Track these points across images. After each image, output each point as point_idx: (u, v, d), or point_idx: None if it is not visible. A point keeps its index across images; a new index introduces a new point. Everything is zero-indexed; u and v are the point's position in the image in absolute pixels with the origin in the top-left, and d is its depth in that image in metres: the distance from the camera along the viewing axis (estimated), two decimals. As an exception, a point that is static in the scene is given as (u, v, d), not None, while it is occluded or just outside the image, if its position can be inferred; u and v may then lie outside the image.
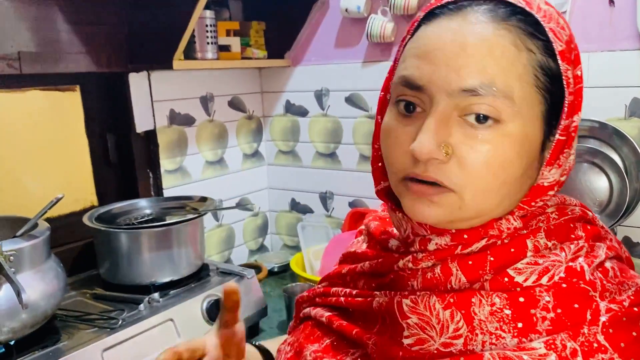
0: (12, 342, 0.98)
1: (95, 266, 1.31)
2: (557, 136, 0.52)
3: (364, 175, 1.70)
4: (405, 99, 0.52)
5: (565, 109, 0.52)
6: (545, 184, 0.54)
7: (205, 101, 1.65)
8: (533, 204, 0.54)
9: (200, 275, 1.32)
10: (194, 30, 1.43)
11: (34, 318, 0.98)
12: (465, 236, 0.54)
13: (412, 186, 0.52)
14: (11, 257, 0.92)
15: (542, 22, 0.51)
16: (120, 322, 1.08)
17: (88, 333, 1.06)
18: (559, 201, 0.57)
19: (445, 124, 0.50)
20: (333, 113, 1.71)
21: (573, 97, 0.52)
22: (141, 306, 1.15)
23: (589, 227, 0.56)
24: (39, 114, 1.35)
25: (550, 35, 0.50)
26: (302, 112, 1.77)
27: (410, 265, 0.56)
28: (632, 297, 0.50)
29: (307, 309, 0.68)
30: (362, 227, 0.74)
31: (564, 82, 0.51)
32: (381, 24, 1.52)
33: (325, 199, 1.79)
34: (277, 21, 1.70)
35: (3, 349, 0.98)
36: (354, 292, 0.61)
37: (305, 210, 1.84)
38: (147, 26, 1.39)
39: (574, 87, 0.52)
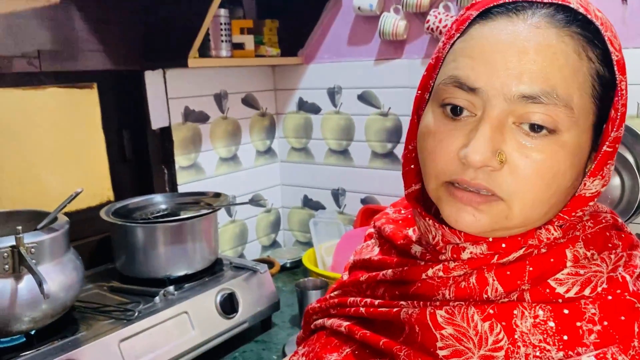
0: (32, 332, 1.02)
1: (112, 260, 1.34)
2: (605, 147, 0.51)
3: (375, 172, 1.71)
4: (454, 103, 0.50)
5: (618, 120, 0.50)
6: (587, 195, 0.52)
7: (219, 98, 1.67)
8: (573, 214, 0.53)
9: (214, 270, 1.34)
10: (208, 29, 1.46)
11: (53, 309, 1.00)
12: (504, 245, 0.52)
13: (457, 192, 0.51)
14: (32, 249, 0.95)
15: (602, 31, 0.50)
16: (136, 314, 1.11)
17: (105, 324, 1.09)
18: (592, 209, 0.56)
19: (500, 131, 0.48)
20: (345, 110, 1.73)
21: (624, 110, 0.51)
22: (156, 299, 1.18)
23: (622, 235, 0.55)
24: (57, 111, 1.38)
25: (608, 44, 0.50)
26: (315, 110, 1.78)
27: (440, 274, 0.54)
28: None
29: (321, 320, 0.66)
30: (371, 230, 0.72)
31: (618, 93, 0.50)
32: (393, 22, 1.53)
33: (337, 195, 1.80)
34: (290, 19, 1.72)
35: (24, 339, 1.01)
36: (376, 302, 0.59)
37: (318, 206, 1.85)
38: (163, 25, 1.42)
39: (625, 98, 0.51)
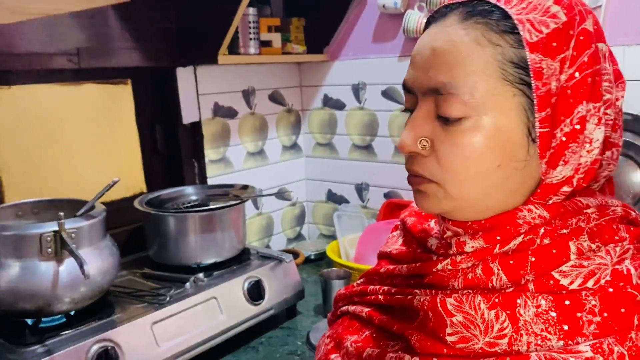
0: (72, 313, 1.08)
1: (145, 248, 1.40)
2: (537, 129, 0.52)
3: (398, 167, 1.74)
4: (405, 106, 0.59)
5: (537, 100, 0.51)
6: (555, 182, 0.54)
7: (247, 95, 1.73)
8: (547, 200, 0.55)
9: (241, 258, 1.40)
10: (237, 27, 1.51)
11: (91, 291, 1.07)
12: (498, 237, 0.55)
13: (409, 179, 0.58)
14: (73, 234, 1.01)
15: (512, 15, 0.51)
16: (168, 299, 1.16)
17: (139, 308, 1.14)
18: (599, 202, 0.56)
19: (424, 121, 0.55)
20: (369, 106, 1.76)
21: (549, 88, 0.51)
22: (187, 285, 1.23)
23: (632, 228, 0.55)
24: (94, 106, 1.44)
25: (521, 27, 0.51)
26: (340, 106, 1.83)
27: (449, 267, 0.57)
28: None
29: (345, 307, 0.70)
30: (398, 222, 0.75)
31: (532, 73, 0.51)
32: (417, 20, 1.56)
33: (360, 190, 1.84)
34: (316, 17, 1.76)
35: (65, 319, 1.08)
36: (393, 290, 0.63)
37: (342, 200, 1.89)
38: (194, 23, 1.47)
39: (553, 77, 0.51)
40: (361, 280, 0.72)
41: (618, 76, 0.58)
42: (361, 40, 1.74)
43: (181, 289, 1.22)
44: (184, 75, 1.55)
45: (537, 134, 0.52)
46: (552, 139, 0.53)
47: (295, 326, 1.37)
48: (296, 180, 1.94)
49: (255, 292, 1.29)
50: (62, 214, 0.99)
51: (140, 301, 1.17)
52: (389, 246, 0.71)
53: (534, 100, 0.51)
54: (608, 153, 0.57)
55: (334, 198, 1.92)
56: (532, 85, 0.51)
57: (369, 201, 1.83)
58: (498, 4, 0.53)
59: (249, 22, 1.53)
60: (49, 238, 0.99)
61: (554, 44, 0.51)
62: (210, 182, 1.64)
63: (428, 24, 0.58)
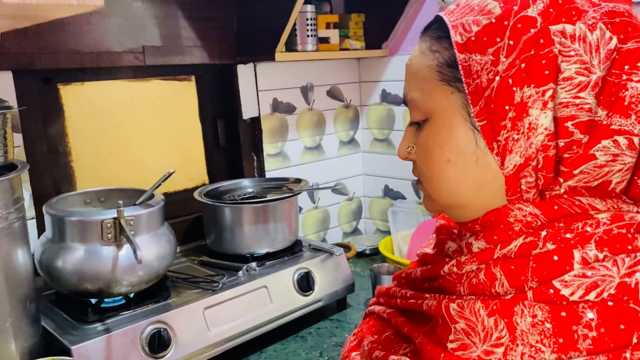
0: (131, 295, 1.15)
1: (204, 237, 1.47)
2: (476, 122, 0.54)
3: (456, 164, 1.71)
4: (410, 119, 0.64)
5: (469, 95, 0.54)
6: (511, 173, 0.54)
7: (306, 91, 1.76)
8: (516, 194, 0.55)
9: (293, 250, 1.43)
10: (295, 24, 1.54)
11: (148, 275, 1.13)
12: (495, 237, 0.55)
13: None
14: (131, 222, 1.08)
15: (447, 22, 0.57)
16: (220, 285, 1.22)
17: (193, 293, 1.21)
18: (612, 206, 0.53)
19: (411, 131, 0.62)
20: (428, 102, 1.74)
21: (479, 82, 0.53)
22: (240, 273, 1.28)
23: None
24: (159, 101, 1.53)
25: (453, 31, 0.55)
26: (398, 101, 1.82)
27: (455, 269, 0.57)
28: None
29: (373, 306, 0.72)
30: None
31: (462, 71, 0.54)
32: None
33: (418, 186, 1.83)
34: (376, 13, 1.76)
35: (124, 300, 1.15)
36: (408, 294, 0.65)
37: (398, 196, 1.89)
38: (253, 22, 1.52)
39: (484, 71, 0.53)
40: (394, 282, 0.74)
41: (626, 57, 0.52)
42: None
43: (234, 277, 1.27)
44: (244, 72, 1.60)
45: (479, 127, 0.55)
46: (501, 130, 0.53)
47: (344, 319, 1.40)
48: (353, 176, 1.96)
49: (304, 283, 1.32)
50: (121, 202, 1.06)
51: (195, 287, 1.24)
52: (423, 248, 0.73)
53: (467, 94, 0.55)
54: (606, 142, 0.52)
55: (390, 194, 1.92)
56: (463, 82, 0.55)
57: (426, 198, 1.81)
58: (441, 14, 0.59)
59: (307, 20, 1.56)
60: (109, 224, 1.06)
61: (485, 38, 0.53)
62: (268, 175, 1.69)
63: None
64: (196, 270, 1.35)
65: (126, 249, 1.09)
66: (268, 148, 1.69)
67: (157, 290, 1.20)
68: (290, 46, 1.57)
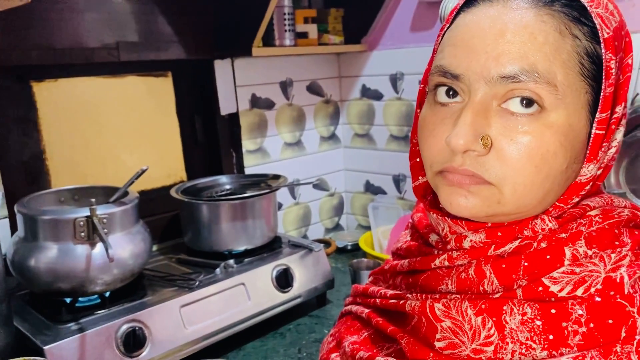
0: (106, 294, 1.14)
1: (182, 235, 1.46)
2: (594, 130, 0.50)
3: (436, 158, 1.71)
4: (444, 83, 0.52)
5: (602, 100, 0.49)
6: (583, 180, 0.51)
7: (285, 86, 1.75)
8: (569, 202, 0.52)
9: (272, 246, 1.43)
10: (272, 19, 1.53)
11: (123, 274, 1.12)
12: (499, 234, 0.52)
13: (448, 175, 0.51)
14: (104, 220, 1.07)
15: (588, 7, 0.49)
16: (197, 283, 1.21)
17: (169, 291, 1.19)
18: (605, 202, 0.54)
19: (483, 115, 0.49)
20: (407, 97, 1.75)
21: (615, 88, 0.49)
22: (217, 270, 1.27)
23: (636, 232, 0.52)
24: (135, 98, 1.51)
25: (597, 20, 0.48)
26: (378, 96, 1.82)
27: (446, 263, 0.55)
28: None
29: (349, 306, 0.71)
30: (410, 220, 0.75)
31: (604, 72, 0.49)
32: (454, 8, 1.53)
33: (398, 181, 1.83)
34: (355, 7, 1.75)
35: (99, 299, 1.14)
36: (389, 293, 0.62)
37: (379, 191, 1.89)
38: (230, 16, 1.51)
39: (619, 77, 0.50)
40: (370, 279, 0.72)
41: (627, 68, 0.54)
42: (399, 29, 1.72)
43: (211, 275, 1.26)
44: (221, 67, 1.58)
45: (593, 136, 0.50)
46: (606, 142, 0.51)
47: (324, 315, 1.39)
48: (334, 171, 1.95)
49: (283, 280, 1.32)
50: (93, 200, 1.05)
51: (171, 285, 1.22)
52: (399, 243, 0.71)
53: (600, 100, 0.49)
54: (612, 150, 0.54)
55: (371, 189, 1.92)
56: (603, 84, 0.49)
57: (406, 192, 1.82)
58: None
59: (284, 14, 1.55)
60: (82, 223, 1.05)
61: (616, 43, 0.49)
62: (247, 171, 1.67)
63: (470, 3, 0.53)
64: (173, 268, 1.34)
65: (100, 247, 1.07)
66: (247, 144, 1.68)
67: (133, 289, 1.19)
68: (268, 41, 1.56)
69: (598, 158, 0.51)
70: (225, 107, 1.62)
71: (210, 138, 1.65)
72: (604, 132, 0.50)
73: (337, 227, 2.00)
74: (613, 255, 0.49)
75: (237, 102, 1.63)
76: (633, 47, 0.53)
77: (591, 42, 0.49)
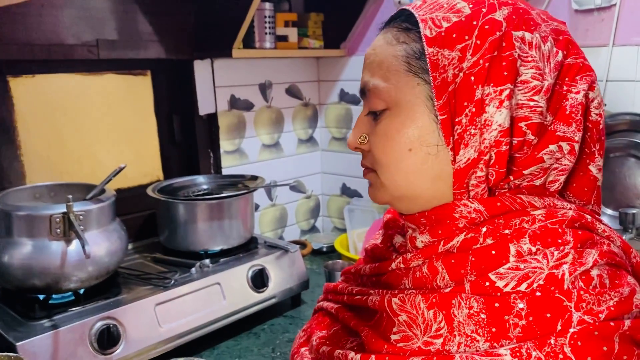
0: (81, 291, 1.14)
1: (157, 233, 1.46)
2: (438, 117, 0.56)
3: (412, 163, 1.74)
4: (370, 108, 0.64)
5: (435, 89, 0.56)
6: (462, 166, 0.56)
7: (264, 88, 1.76)
8: (464, 186, 0.57)
9: (249, 247, 1.44)
10: (253, 22, 1.54)
11: (98, 271, 1.12)
12: (440, 231, 0.57)
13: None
14: (81, 217, 1.07)
15: (416, 15, 0.58)
16: (172, 282, 1.21)
17: (145, 289, 1.19)
18: (549, 204, 0.57)
19: (363, 120, 0.63)
20: (384, 102, 1.77)
21: (445, 76, 0.55)
22: (193, 270, 1.28)
23: (579, 232, 0.54)
24: (113, 96, 1.50)
25: (422, 24, 0.57)
26: (356, 101, 1.84)
27: (402, 266, 0.60)
28: (612, 309, 0.49)
29: (322, 302, 0.75)
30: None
31: (430, 65, 0.56)
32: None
33: (374, 184, 1.85)
34: (335, 13, 1.78)
35: (73, 297, 1.13)
36: (354, 290, 0.67)
37: (356, 194, 1.91)
38: (211, 17, 1.51)
39: (450, 66, 0.55)
40: (342, 277, 0.76)
41: (579, 69, 0.58)
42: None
43: (187, 274, 1.27)
44: (201, 68, 1.59)
45: (439, 121, 0.57)
46: (457, 125, 0.56)
47: (298, 315, 1.41)
48: (312, 174, 1.97)
49: (258, 280, 1.33)
50: (70, 196, 1.05)
51: (146, 283, 1.22)
52: (369, 243, 0.74)
53: (432, 88, 0.56)
54: (553, 147, 0.56)
55: (348, 192, 1.94)
56: (430, 75, 0.56)
57: (382, 196, 1.84)
58: (408, 8, 0.60)
59: (265, 17, 1.57)
60: (58, 219, 1.04)
61: (454, 35, 0.55)
62: (225, 172, 1.68)
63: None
64: (149, 267, 1.34)
65: (75, 244, 1.07)
66: (225, 145, 1.68)
67: (108, 287, 1.19)
68: (248, 43, 1.57)
69: (466, 142, 0.55)
70: (204, 107, 1.62)
71: (188, 138, 1.66)
72: (446, 116, 0.56)
73: (313, 229, 2.02)
74: (556, 253, 0.52)
75: (216, 102, 1.64)
76: (574, 49, 0.59)
77: (421, 43, 0.57)
